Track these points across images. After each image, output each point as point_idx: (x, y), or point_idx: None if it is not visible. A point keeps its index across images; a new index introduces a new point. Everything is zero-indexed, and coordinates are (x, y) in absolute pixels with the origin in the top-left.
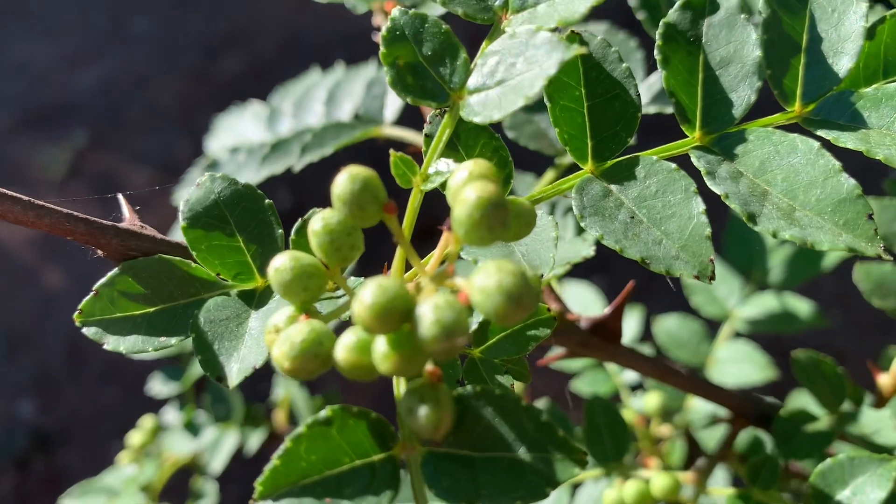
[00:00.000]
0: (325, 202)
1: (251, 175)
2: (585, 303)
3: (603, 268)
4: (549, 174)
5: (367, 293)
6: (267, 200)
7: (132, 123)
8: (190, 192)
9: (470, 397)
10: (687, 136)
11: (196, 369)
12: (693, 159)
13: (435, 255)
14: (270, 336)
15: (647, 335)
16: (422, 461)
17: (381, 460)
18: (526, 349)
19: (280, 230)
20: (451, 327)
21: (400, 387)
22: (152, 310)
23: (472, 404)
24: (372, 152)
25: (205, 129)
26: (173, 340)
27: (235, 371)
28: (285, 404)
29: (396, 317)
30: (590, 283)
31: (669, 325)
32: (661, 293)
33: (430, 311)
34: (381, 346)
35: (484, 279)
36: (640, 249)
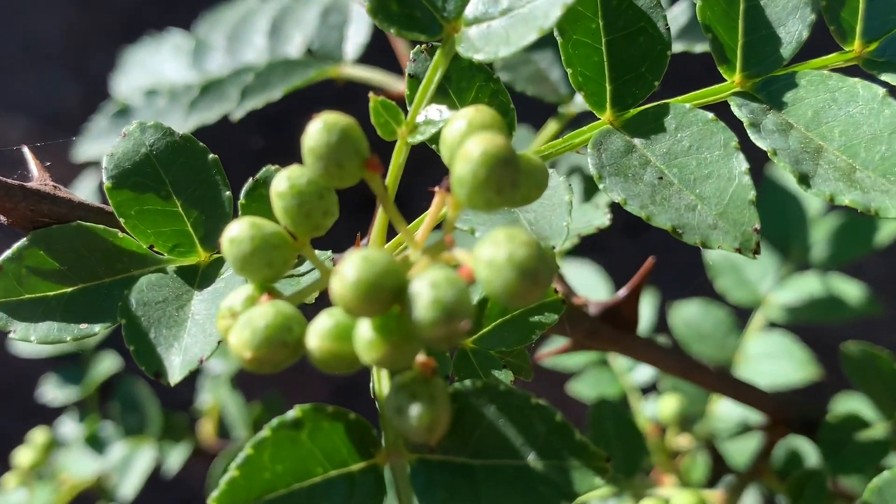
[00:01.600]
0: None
1: (176, 125)
2: (590, 285)
3: (597, 245)
4: (551, 126)
5: (351, 267)
6: (211, 156)
7: (1, 62)
8: (115, 144)
9: (469, 394)
10: (725, 81)
11: (100, 369)
12: (733, 108)
13: (425, 223)
14: (225, 321)
15: (661, 325)
16: (411, 471)
17: (361, 470)
18: (529, 338)
19: (228, 192)
20: (452, 308)
21: (382, 382)
22: (70, 290)
23: (471, 402)
24: (328, 98)
25: (98, 68)
26: (97, 328)
27: (178, 364)
28: (214, 413)
29: (385, 296)
30: (591, 261)
31: (689, 314)
32: (677, 274)
33: (427, 289)
34: (365, 331)
35: (492, 251)
36: (670, 217)
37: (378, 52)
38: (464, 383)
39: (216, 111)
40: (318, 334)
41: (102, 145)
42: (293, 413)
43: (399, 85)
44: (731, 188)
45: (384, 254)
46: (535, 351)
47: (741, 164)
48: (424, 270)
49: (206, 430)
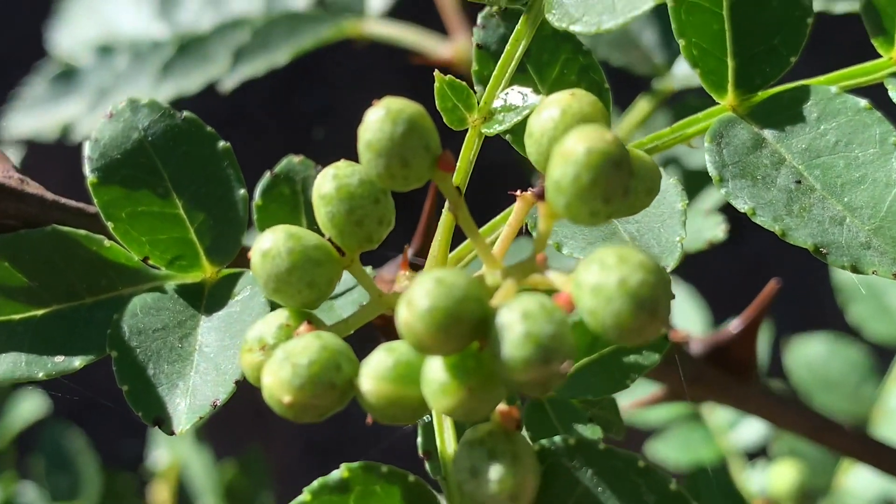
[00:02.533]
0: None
1: (144, 93)
2: (682, 313)
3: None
4: (642, 105)
5: (423, 292)
6: (221, 143)
7: None
8: (99, 126)
9: (561, 453)
10: (880, 57)
11: (19, 414)
12: (892, 92)
13: (504, 234)
14: (252, 356)
15: (773, 368)
16: None
17: None
18: (623, 384)
19: (242, 190)
20: (550, 346)
21: (445, 436)
22: (42, 312)
23: (563, 464)
24: (346, 63)
25: (20, 16)
26: (77, 361)
27: (184, 410)
28: (172, 474)
29: (465, 328)
30: (687, 284)
31: (813, 354)
32: (793, 299)
33: (518, 322)
34: (436, 372)
35: (599, 275)
36: (811, 232)
37: (408, 2)
38: (553, 440)
39: (198, 77)
40: (375, 375)
41: (41, 118)
42: (339, 473)
43: (442, 49)
44: (889, 196)
45: (464, 276)
46: None
47: None
48: (513, 297)
49: (161, 496)
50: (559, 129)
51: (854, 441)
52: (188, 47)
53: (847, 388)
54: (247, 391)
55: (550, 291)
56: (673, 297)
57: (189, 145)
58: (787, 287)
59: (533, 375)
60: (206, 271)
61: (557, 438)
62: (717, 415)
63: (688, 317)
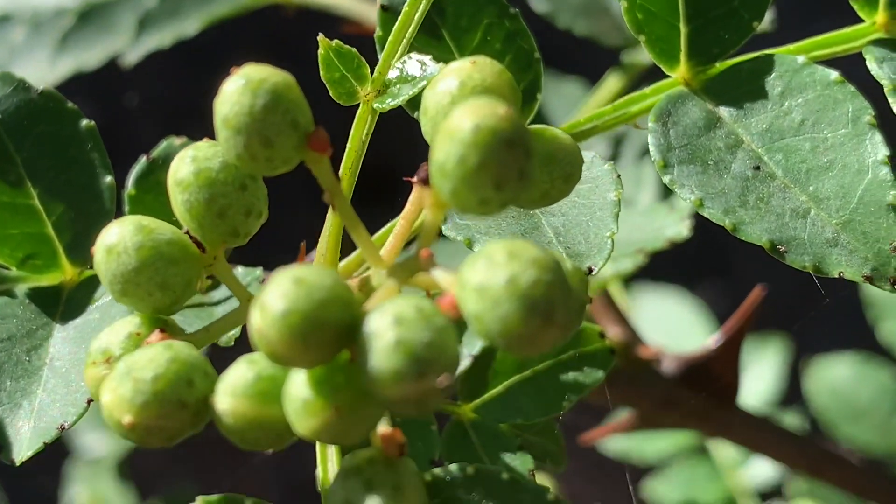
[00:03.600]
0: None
1: (40, 69)
2: (674, 327)
3: (679, 266)
4: (612, 82)
5: (277, 294)
6: (84, 122)
7: None
8: None
9: (456, 484)
10: (862, 22)
11: None
12: (870, 63)
13: (396, 230)
14: (95, 370)
15: (792, 394)
16: None
17: None
18: (558, 406)
19: (109, 177)
20: (424, 355)
21: (327, 463)
22: None
23: (458, 497)
24: (270, 36)
25: None
26: None
27: (27, 434)
28: None
29: (329, 337)
30: (683, 289)
31: (837, 378)
32: (817, 316)
33: (389, 328)
34: (299, 388)
35: (485, 273)
36: (768, 227)
37: None
38: (448, 468)
39: (99, 50)
40: (231, 391)
41: None
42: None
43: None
44: (861, 185)
45: (327, 273)
46: (578, 427)
47: (878, 149)
48: (387, 299)
49: None
50: (456, 104)
51: (881, 482)
52: (89, 15)
53: (877, 417)
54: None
55: (438, 294)
56: (588, 300)
57: (47, 124)
58: (810, 301)
59: (405, 391)
60: (65, 272)
61: (453, 467)
62: (725, 449)
63: (682, 333)
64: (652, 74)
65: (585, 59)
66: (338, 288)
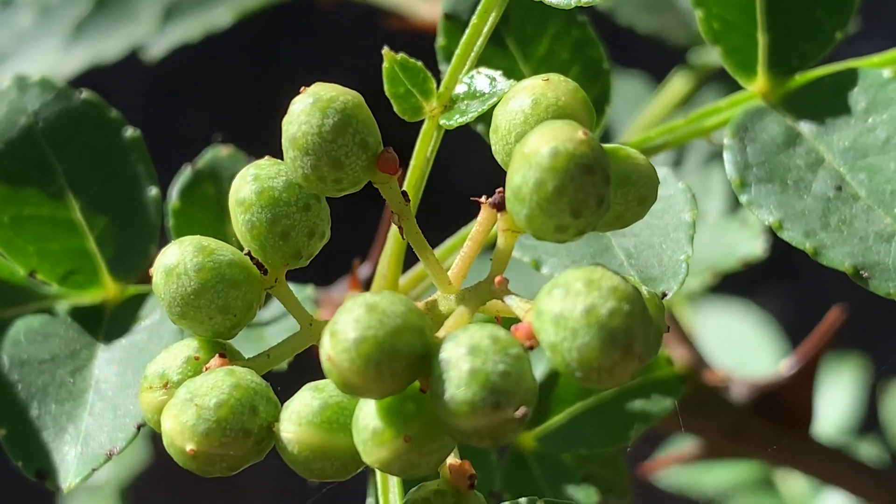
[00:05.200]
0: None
1: (51, 60)
2: (742, 346)
3: (742, 282)
4: (679, 83)
5: (351, 321)
6: (129, 131)
7: None
8: None
9: None
10: None
11: None
12: None
13: (464, 252)
14: (152, 395)
15: (870, 422)
16: None
17: None
18: (625, 437)
19: (154, 189)
20: (502, 388)
21: (388, 494)
22: None
23: None
24: (312, 31)
25: None
26: None
27: (73, 460)
28: None
29: (402, 366)
30: (747, 300)
31: None
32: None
33: (463, 357)
34: (369, 418)
35: (563, 302)
36: (851, 251)
37: None
38: (518, 502)
39: (119, 41)
40: (297, 420)
41: None
42: None
43: (427, 7)
44: None
45: (400, 300)
46: (639, 455)
47: None
48: (461, 328)
49: None
50: (529, 124)
51: None
52: (107, 2)
53: None
54: None
55: (513, 322)
56: (666, 328)
57: (89, 133)
58: (890, 317)
59: (480, 422)
60: (108, 289)
61: (523, 501)
62: (793, 482)
63: (748, 355)
64: (722, 75)
65: (649, 55)
66: (411, 315)
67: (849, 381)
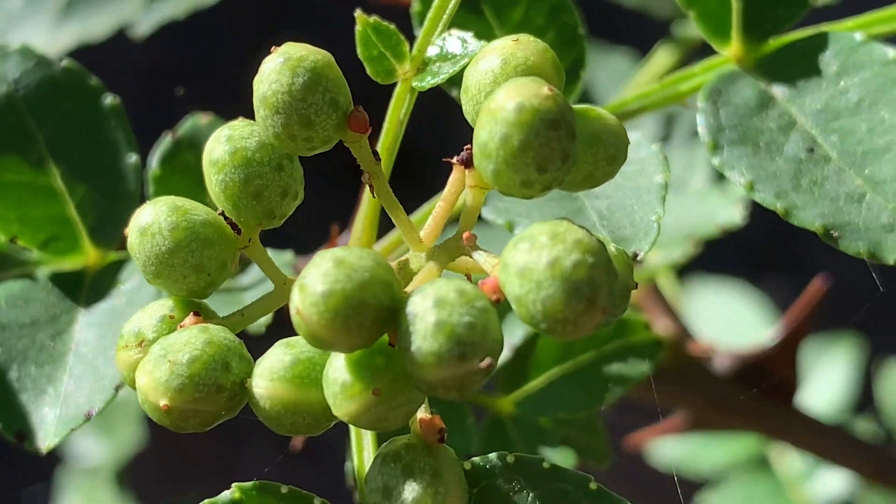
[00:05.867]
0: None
1: (40, 39)
2: (732, 322)
3: (743, 260)
4: (663, 56)
5: (319, 275)
6: (109, 99)
7: None
8: None
9: (496, 472)
10: None
11: None
12: None
13: (436, 211)
14: (127, 353)
15: (865, 399)
16: None
17: None
18: (600, 399)
19: (134, 157)
20: (466, 338)
21: (363, 449)
22: None
23: (498, 485)
24: (305, 15)
25: None
26: None
27: (53, 421)
28: None
29: (370, 319)
30: (745, 282)
31: None
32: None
33: (430, 310)
34: (339, 371)
35: (528, 255)
36: (822, 211)
37: None
38: (487, 457)
39: (106, 20)
40: (269, 375)
41: None
42: (229, 494)
43: None
44: None
45: (368, 254)
46: (623, 427)
47: None
48: (429, 282)
49: None
50: (498, 83)
51: None
52: None
53: None
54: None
55: (480, 277)
56: (634, 285)
57: (69, 102)
58: (886, 296)
59: (446, 374)
60: (88, 255)
61: (493, 455)
62: (789, 461)
63: (742, 326)
64: (706, 49)
65: (634, 29)
66: (379, 269)
67: (844, 360)
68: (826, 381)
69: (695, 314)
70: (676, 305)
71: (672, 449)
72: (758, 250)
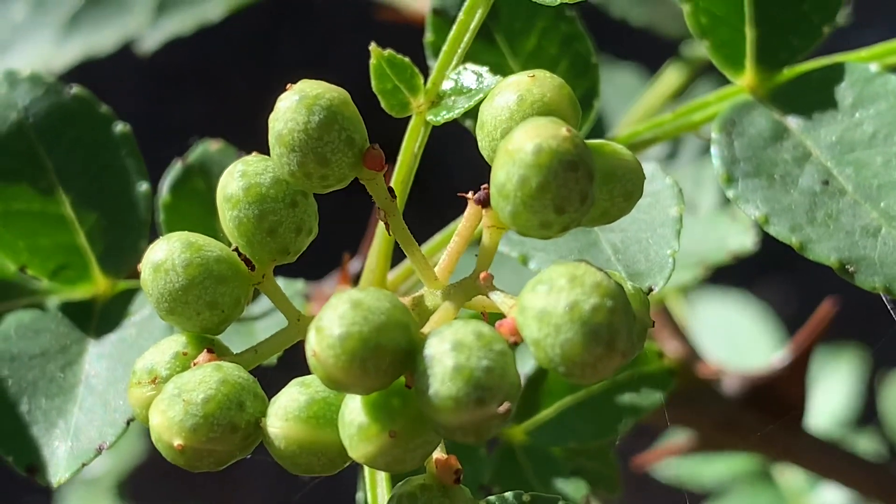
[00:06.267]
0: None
1: (44, 53)
2: (738, 338)
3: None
4: (672, 75)
5: (336, 317)
6: (119, 126)
7: None
8: None
9: None
10: None
11: None
12: None
13: (450, 248)
14: (140, 390)
15: (869, 413)
16: None
17: None
18: (613, 430)
19: (145, 185)
20: (485, 384)
21: (377, 490)
22: None
23: None
24: (306, 24)
25: None
26: None
27: (64, 455)
28: None
29: (388, 362)
30: (744, 291)
31: None
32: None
33: (448, 353)
34: (355, 413)
35: (546, 298)
36: (837, 245)
37: None
38: (503, 497)
39: (112, 34)
40: (284, 415)
41: None
42: None
43: (418, 2)
44: None
45: (385, 296)
46: (632, 448)
47: None
48: (445, 324)
49: None
50: (515, 120)
51: None
52: None
53: None
54: None
55: (498, 318)
56: (651, 324)
57: (79, 129)
58: (887, 310)
59: (464, 418)
60: (98, 285)
61: (509, 494)
62: (791, 475)
63: (749, 346)
64: (715, 69)
65: (641, 46)
66: (396, 311)
67: (847, 374)
68: (829, 394)
69: (700, 329)
70: (684, 326)
71: (676, 463)
72: (757, 255)
